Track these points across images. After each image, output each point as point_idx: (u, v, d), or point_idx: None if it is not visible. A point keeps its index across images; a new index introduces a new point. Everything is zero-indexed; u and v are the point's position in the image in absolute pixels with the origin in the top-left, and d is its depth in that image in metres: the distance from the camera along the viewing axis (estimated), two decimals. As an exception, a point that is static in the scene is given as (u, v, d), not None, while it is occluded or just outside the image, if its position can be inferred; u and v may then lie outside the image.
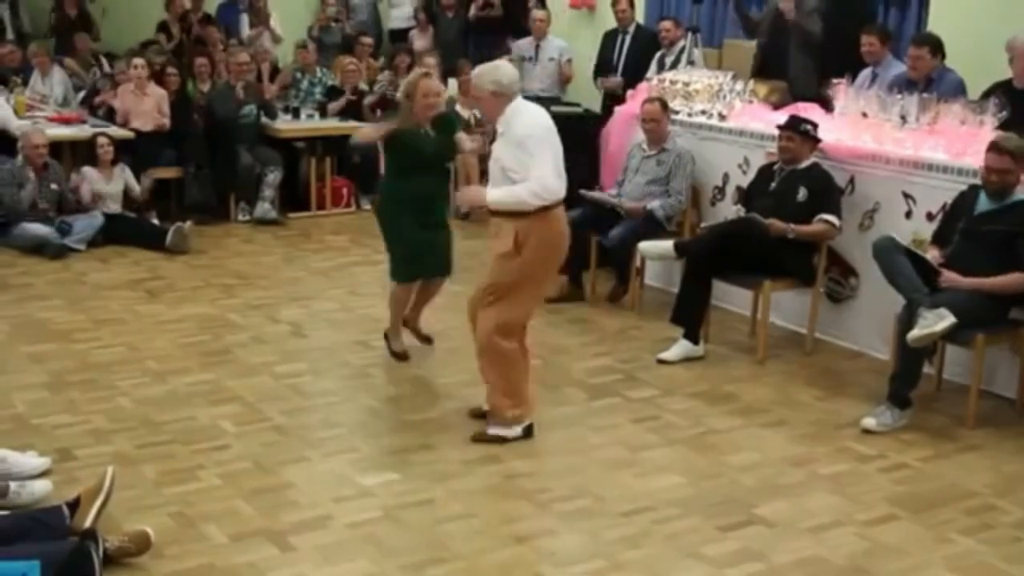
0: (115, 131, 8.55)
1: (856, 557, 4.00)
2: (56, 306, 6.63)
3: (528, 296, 4.82)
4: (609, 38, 9.65)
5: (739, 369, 5.92)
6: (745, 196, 6.40)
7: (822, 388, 5.66)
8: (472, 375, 5.38)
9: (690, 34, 8.73)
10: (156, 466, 4.52)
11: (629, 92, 8.06)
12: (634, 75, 8.81)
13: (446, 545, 3.98)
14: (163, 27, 10.77)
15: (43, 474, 4.34)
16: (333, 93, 9.76)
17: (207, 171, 8.81)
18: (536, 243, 4.65)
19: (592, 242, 6.94)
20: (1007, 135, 5.28)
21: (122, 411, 5.09)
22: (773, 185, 6.13)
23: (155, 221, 8.42)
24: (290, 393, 5.39)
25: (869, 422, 5.10)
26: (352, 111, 9.60)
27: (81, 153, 8.50)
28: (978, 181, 5.31)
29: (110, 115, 9.03)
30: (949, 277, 5.13)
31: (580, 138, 7.62)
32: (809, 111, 6.48)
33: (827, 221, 5.91)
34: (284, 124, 9.36)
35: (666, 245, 6.22)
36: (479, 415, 5.03)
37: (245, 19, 11.10)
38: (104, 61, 10.37)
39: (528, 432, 4.89)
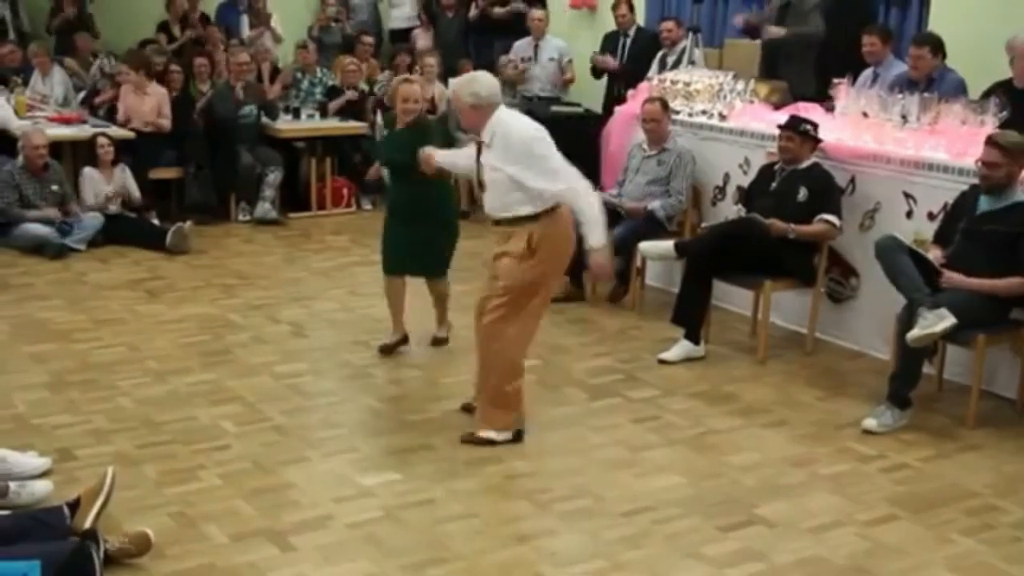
0: (115, 131, 8.56)
1: (857, 557, 4.00)
2: (56, 306, 6.63)
3: (540, 300, 4.82)
4: (610, 39, 9.65)
5: (740, 369, 5.92)
6: (746, 196, 6.40)
7: (823, 388, 5.66)
8: (473, 375, 5.39)
9: (691, 34, 8.74)
10: (156, 466, 4.52)
11: (630, 92, 8.06)
12: (635, 76, 8.81)
13: (446, 545, 3.98)
14: (163, 27, 10.77)
15: (43, 474, 4.34)
16: (333, 93, 9.76)
17: (207, 171, 8.81)
18: (550, 245, 4.68)
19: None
20: (1005, 132, 5.29)
21: (122, 411, 5.09)
22: (774, 185, 6.13)
23: (155, 221, 8.42)
24: (290, 393, 5.39)
25: (870, 423, 5.09)
26: (352, 111, 9.60)
27: (81, 153, 8.50)
28: (978, 181, 5.31)
29: (110, 115, 9.03)
30: (950, 277, 5.13)
31: (580, 138, 7.63)
32: (810, 111, 6.48)
33: (828, 221, 5.91)
34: (284, 124, 9.36)
35: (667, 245, 6.22)
36: (470, 409, 5.06)
37: (245, 20, 11.09)
38: (104, 61, 10.37)
39: (518, 436, 4.88)
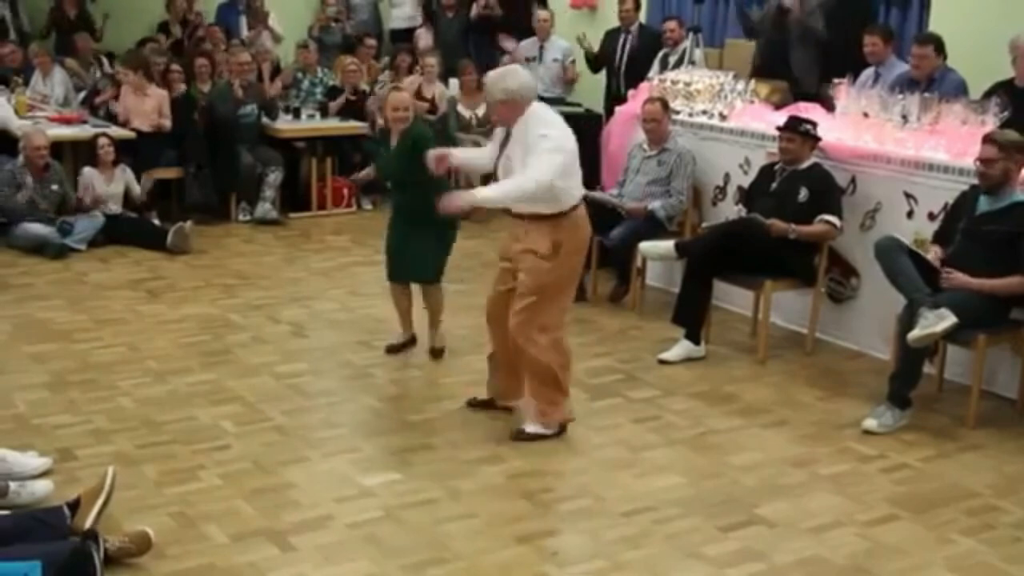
0: (116, 131, 8.56)
1: (857, 557, 4.00)
2: (57, 306, 6.63)
3: (566, 296, 4.87)
4: (611, 37, 9.65)
5: (740, 369, 5.91)
6: (746, 196, 6.40)
7: (823, 388, 5.66)
8: (474, 375, 5.40)
9: (691, 34, 8.74)
10: (157, 466, 4.52)
11: (630, 92, 8.06)
12: (635, 75, 8.81)
13: (447, 545, 3.98)
14: (164, 27, 10.76)
15: (44, 474, 4.34)
16: (334, 93, 9.76)
17: (208, 171, 8.80)
18: (571, 245, 4.73)
19: (593, 242, 6.92)
20: (1002, 130, 5.29)
21: (123, 411, 5.09)
22: (774, 185, 6.13)
23: (156, 221, 8.42)
24: (291, 393, 5.39)
25: (870, 423, 5.09)
26: (352, 111, 9.60)
27: (82, 153, 8.50)
28: (978, 181, 5.31)
29: (111, 115, 9.03)
30: (952, 275, 5.12)
31: (581, 138, 7.58)
32: (810, 111, 6.48)
33: (828, 221, 5.90)
34: (285, 124, 9.35)
35: (667, 245, 6.22)
36: (476, 404, 5.10)
37: (244, 21, 11.09)
38: (105, 61, 10.37)
39: (563, 429, 4.93)
